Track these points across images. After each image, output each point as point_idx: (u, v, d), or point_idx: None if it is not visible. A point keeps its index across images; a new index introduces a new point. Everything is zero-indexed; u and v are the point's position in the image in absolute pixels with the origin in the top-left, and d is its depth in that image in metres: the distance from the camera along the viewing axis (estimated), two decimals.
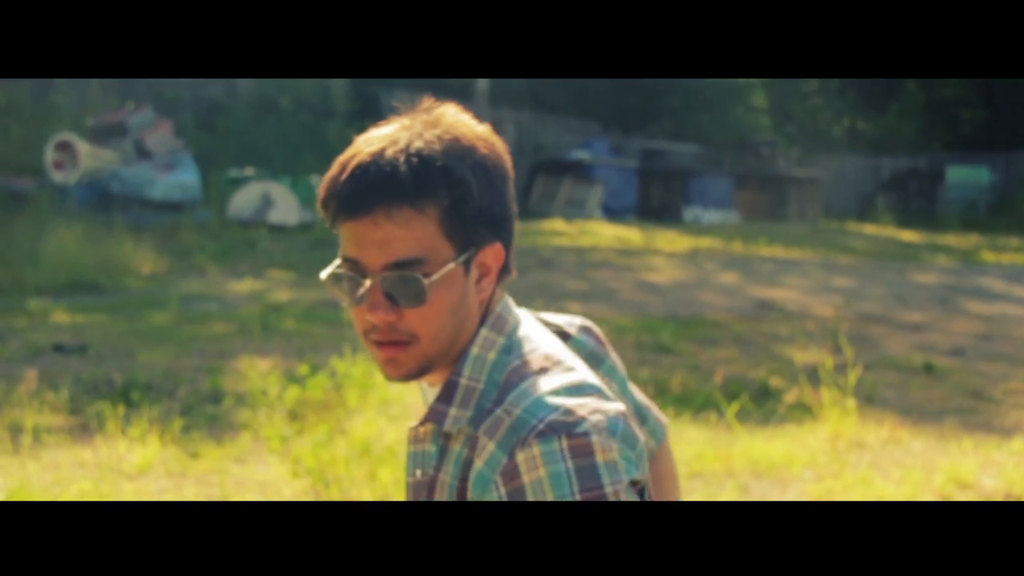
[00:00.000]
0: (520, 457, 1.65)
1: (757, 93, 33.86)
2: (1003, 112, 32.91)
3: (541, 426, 1.65)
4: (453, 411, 1.79)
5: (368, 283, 1.76)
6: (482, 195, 1.79)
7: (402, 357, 1.78)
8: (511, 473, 1.66)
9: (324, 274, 1.82)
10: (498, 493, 1.68)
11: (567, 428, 1.65)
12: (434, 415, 1.81)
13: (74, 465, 5.91)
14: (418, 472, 1.85)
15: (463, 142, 1.80)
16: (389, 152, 1.76)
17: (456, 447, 1.80)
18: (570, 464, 1.63)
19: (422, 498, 1.83)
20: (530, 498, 1.63)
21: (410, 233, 1.75)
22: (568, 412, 1.67)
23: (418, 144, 1.77)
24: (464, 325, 1.82)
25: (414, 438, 1.86)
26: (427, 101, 1.88)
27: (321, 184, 1.80)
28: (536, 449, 1.64)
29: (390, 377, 1.81)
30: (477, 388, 1.80)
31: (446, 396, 1.81)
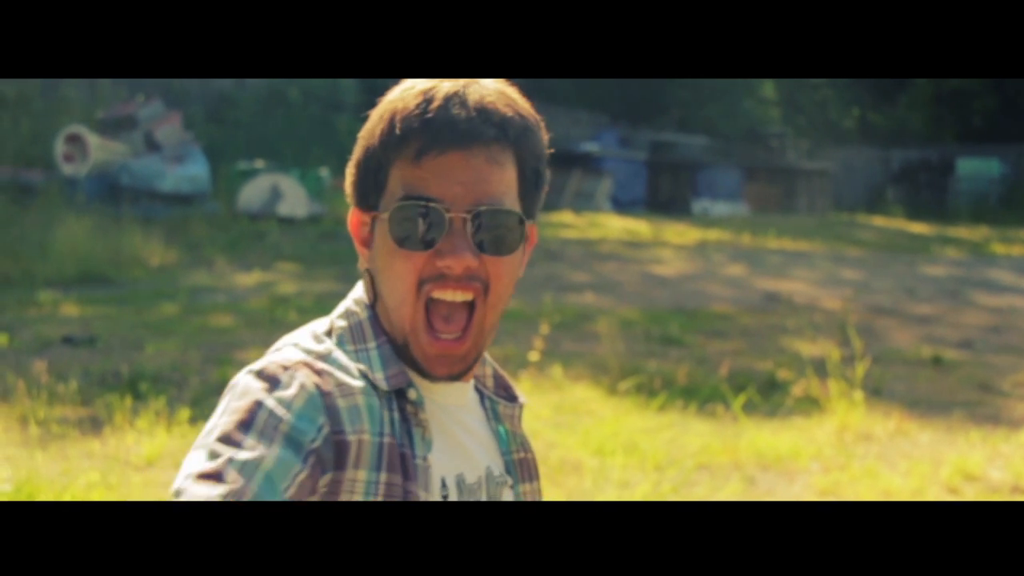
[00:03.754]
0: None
1: (766, 85, 33.82)
2: (1014, 103, 32.82)
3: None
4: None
5: (451, 220, 1.58)
6: (546, 166, 1.71)
7: (467, 336, 1.62)
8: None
9: (389, 211, 1.60)
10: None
11: None
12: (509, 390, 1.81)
13: (82, 456, 5.94)
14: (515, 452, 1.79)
15: (527, 105, 1.69)
16: (489, 93, 1.63)
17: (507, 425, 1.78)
18: None
19: (526, 475, 1.79)
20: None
21: (503, 177, 1.62)
22: None
23: (510, 92, 1.66)
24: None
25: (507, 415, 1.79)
26: None
27: (403, 115, 1.59)
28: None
29: (446, 353, 1.62)
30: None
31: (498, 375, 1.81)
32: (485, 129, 1.59)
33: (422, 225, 1.58)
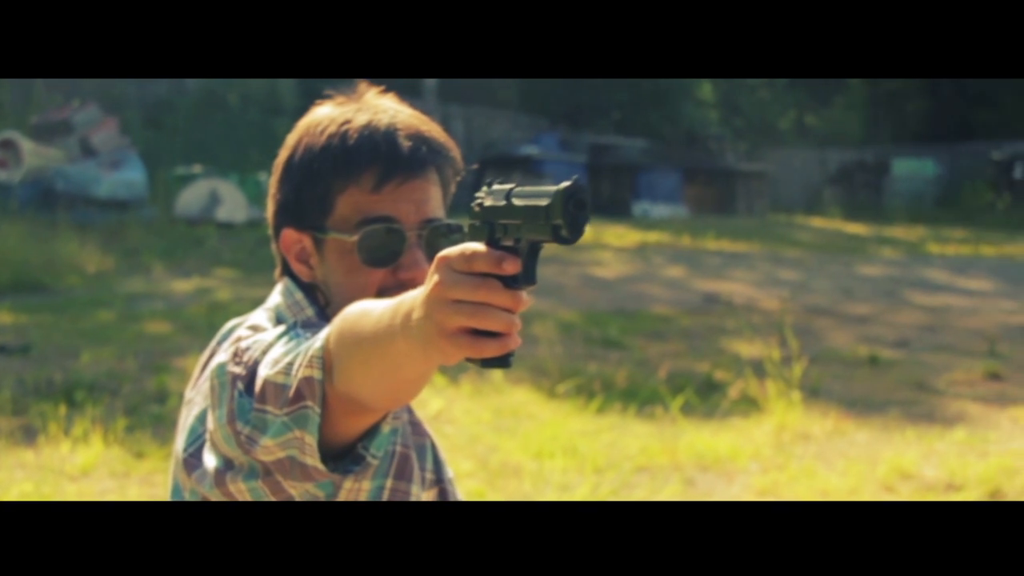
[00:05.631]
0: None
1: (704, 87, 34.00)
2: (947, 104, 33.20)
3: None
4: None
5: (409, 238, 1.85)
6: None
7: None
8: None
9: (353, 234, 1.84)
10: None
11: None
12: None
13: (15, 466, 5.86)
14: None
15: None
16: (413, 120, 1.89)
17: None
18: None
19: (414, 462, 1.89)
20: None
21: (437, 193, 1.89)
22: None
23: (419, 113, 1.91)
24: None
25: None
26: (363, 87, 1.94)
27: (355, 147, 1.84)
28: None
29: None
30: None
31: None
32: (429, 156, 1.85)
33: (387, 244, 1.83)
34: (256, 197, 17.82)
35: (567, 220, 1.35)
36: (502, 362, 1.35)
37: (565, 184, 1.35)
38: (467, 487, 5.48)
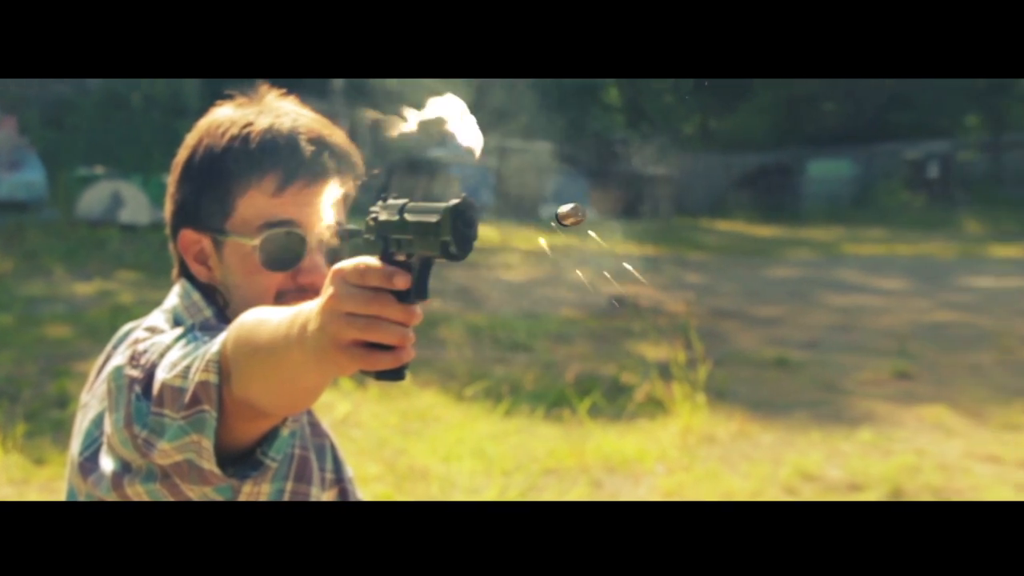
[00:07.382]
0: None
1: (611, 91, 34.17)
2: (862, 105, 33.60)
3: None
4: None
5: (311, 242, 1.85)
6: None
7: None
8: None
9: (254, 236, 1.85)
10: None
11: None
12: None
13: None
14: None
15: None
16: (315, 124, 1.90)
17: None
18: None
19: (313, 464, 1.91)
20: None
21: (338, 198, 1.86)
22: None
23: (321, 118, 1.93)
24: None
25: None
26: (264, 88, 1.96)
27: (257, 150, 1.84)
28: None
29: None
30: None
31: None
32: (331, 162, 1.86)
33: (287, 248, 1.84)
34: (159, 199, 17.47)
35: (455, 237, 1.36)
36: (396, 375, 1.37)
37: (454, 201, 1.36)
38: (374, 491, 5.45)
